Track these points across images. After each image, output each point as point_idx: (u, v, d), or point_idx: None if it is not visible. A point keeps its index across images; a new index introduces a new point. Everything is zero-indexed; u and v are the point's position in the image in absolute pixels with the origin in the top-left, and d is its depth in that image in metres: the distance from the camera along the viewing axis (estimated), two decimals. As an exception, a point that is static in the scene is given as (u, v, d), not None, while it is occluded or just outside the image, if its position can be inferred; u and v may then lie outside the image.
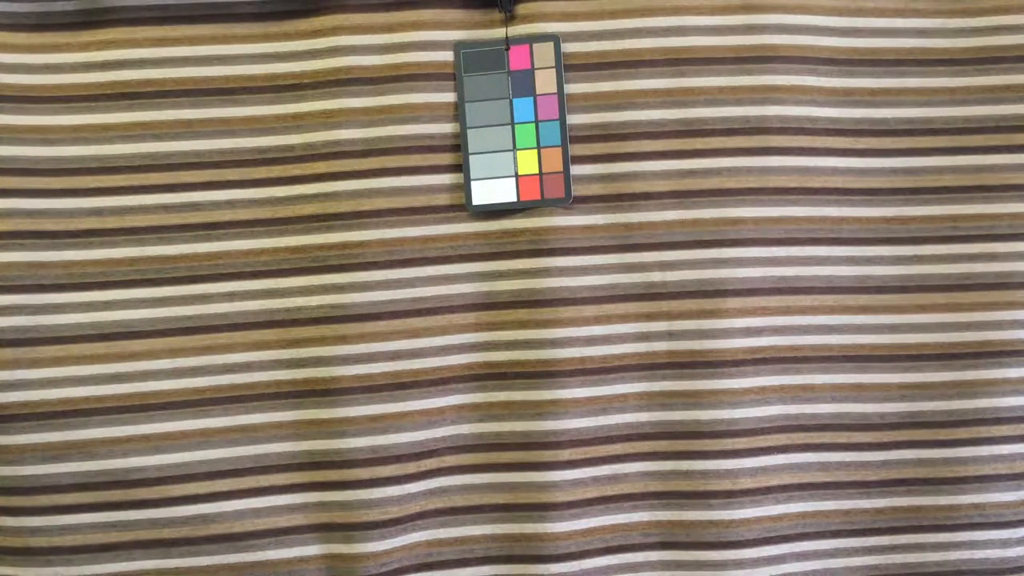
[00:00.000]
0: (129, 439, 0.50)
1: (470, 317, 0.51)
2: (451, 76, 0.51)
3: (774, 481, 0.52)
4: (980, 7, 0.53)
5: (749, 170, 0.51)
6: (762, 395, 0.51)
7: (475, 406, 0.52)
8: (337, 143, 0.50)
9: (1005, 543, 0.53)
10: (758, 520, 0.52)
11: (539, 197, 0.51)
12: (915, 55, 0.52)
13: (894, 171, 0.52)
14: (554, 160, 0.51)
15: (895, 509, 0.53)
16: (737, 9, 0.51)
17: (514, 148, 0.51)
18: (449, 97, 0.51)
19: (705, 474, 0.52)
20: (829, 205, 0.52)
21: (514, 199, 0.51)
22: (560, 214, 0.51)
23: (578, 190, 0.51)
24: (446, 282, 0.51)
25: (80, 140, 0.50)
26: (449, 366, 0.51)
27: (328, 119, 0.50)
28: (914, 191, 0.52)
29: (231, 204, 0.50)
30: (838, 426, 0.52)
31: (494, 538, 0.52)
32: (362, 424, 0.50)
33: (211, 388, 0.50)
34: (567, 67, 0.51)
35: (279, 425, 0.51)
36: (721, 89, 0.51)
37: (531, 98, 0.51)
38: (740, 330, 0.51)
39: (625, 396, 0.51)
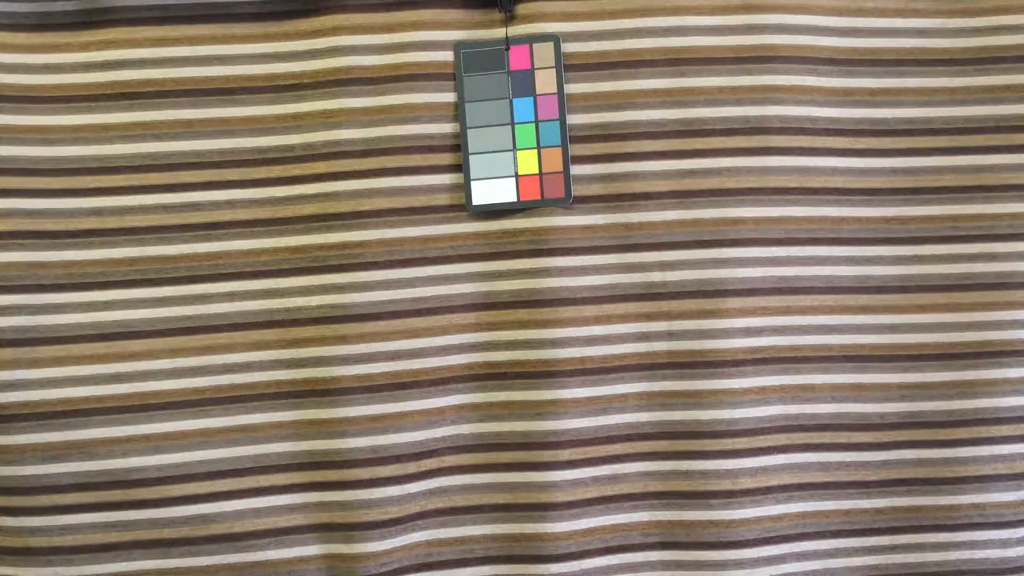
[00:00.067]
0: (129, 439, 0.50)
1: (470, 317, 0.51)
2: (451, 76, 0.51)
3: (774, 481, 0.52)
4: (980, 7, 0.53)
5: (749, 170, 0.51)
6: (762, 395, 0.51)
7: (475, 406, 0.52)
8: (337, 143, 0.50)
9: (1005, 543, 0.53)
10: (758, 520, 0.52)
11: (539, 197, 0.51)
12: (915, 55, 0.52)
13: (894, 171, 0.52)
14: (554, 160, 0.51)
15: (895, 509, 0.53)
16: (737, 9, 0.51)
17: (514, 148, 0.51)
18: (449, 97, 0.51)
19: (705, 474, 0.52)
20: (829, 205, 0.52)
21: (514, 199, 0.51)
22: (560, 214, 0.51)
23: (578, 190, 0.51)
24: (446, 282, 0.51)
25: (80, 140, 0.50)
26: (449, 366, 0.51)
27: (328, 119, 0.50)
28: (914, 191, 0.52)
29: (231, 204, 0.50)
30: (838, 426, 0.52)
31: (494, 538, 0.52)
32: (362, 424, 0.50)
33: (211, 388, 0.50)
34: (567, 67, 0.51)
35: (279, 425, 0.51)
36: (721, 89, 0.51)
37: (531, 98, 0.51)
38: (740, 330, 0.51)
39: (625, 396, 0.51)
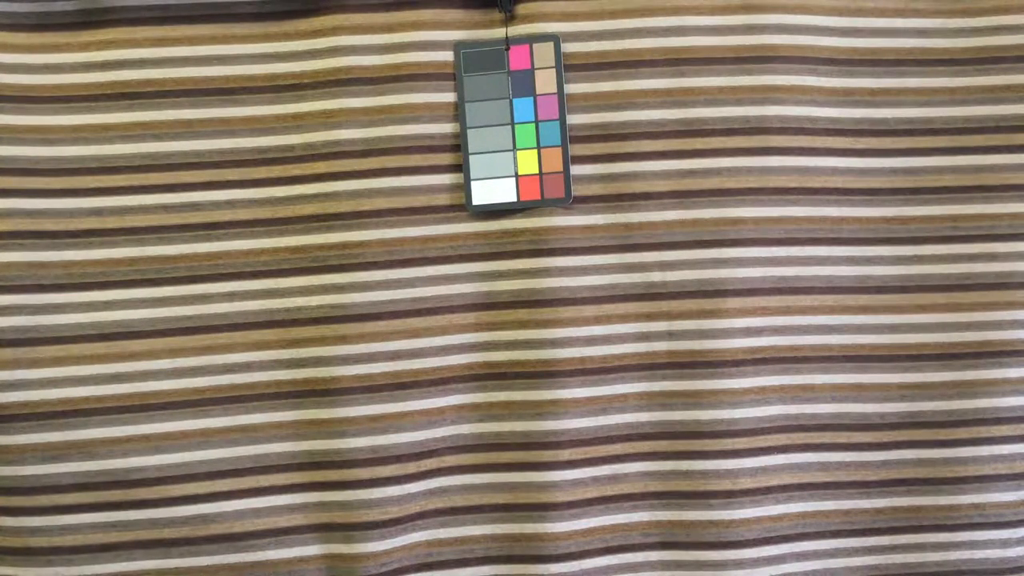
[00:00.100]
0: (129, 439, 0.50)
1: (470, 317, 0.51)
2: (451, 76, 0.51)
3: (774, 481, 0.52)
4: (980, 7, 0.53)
5: (749, 170, 0.51)
6: (762, 395, 0.51)
7: (475, 406, 0.52)
8: (337, 143, 0.50)
9: (1005, 543, 0.53)
10: (758, 520, 0.52)
11: (539, 197, 0.51)
12: (915, 55, 0.52)
13: (894, 171, 0.52)
14: (554, 160, 0.51)
15: (895, 509, 0.53)
16: (737, 9, 0.51)
17: (514, 148, 0.51)
18: (449, 97, 0.51)
19: (705, 474, 0.52)
20: (829, 205, 0.52)
21: (514, 199, 0.51)
22: (560, 214, 0.51)
23: (578, 190, 0.51)
24: (446, 282, 0.51)
25: (80, 140, 0.50)
26: (449, 366, 0.51)
27: (328, 119, 0.50)
28: (914, 191, 0.52)
29: (231, 204, 0.50)
30: (838, 426, 0.52)
31: (494, 538, 0.52)
32: (362, 424, 0.50)
33: (211, 388, 0.50)
34: (567, 67, 0.51)
35: (279, 425, 0.51)
36: (721, 89, 0.51)
37: (531, 98, 0.51)
38: (740, 330, 0.51)
39: (625, 396, 0.51)
